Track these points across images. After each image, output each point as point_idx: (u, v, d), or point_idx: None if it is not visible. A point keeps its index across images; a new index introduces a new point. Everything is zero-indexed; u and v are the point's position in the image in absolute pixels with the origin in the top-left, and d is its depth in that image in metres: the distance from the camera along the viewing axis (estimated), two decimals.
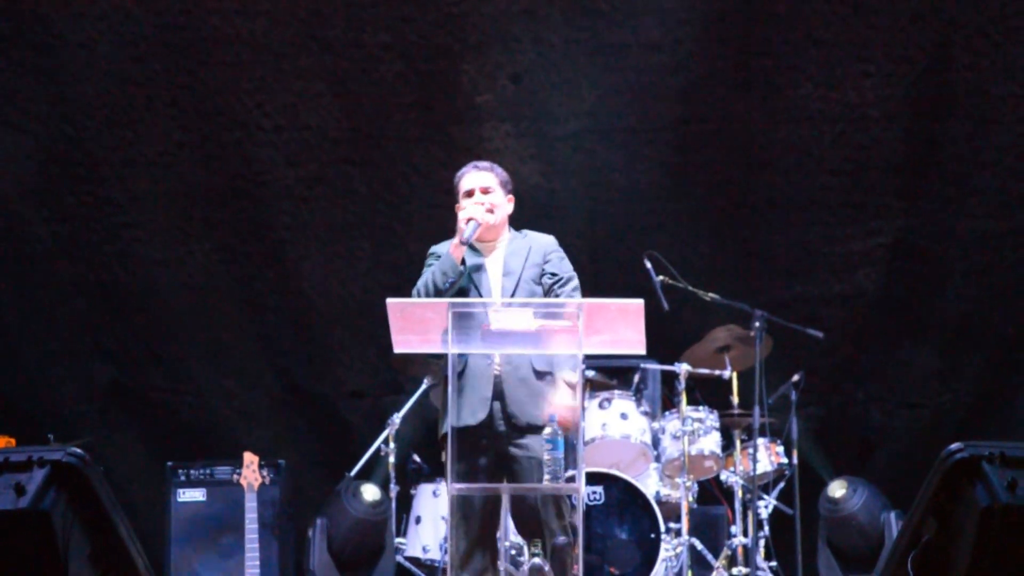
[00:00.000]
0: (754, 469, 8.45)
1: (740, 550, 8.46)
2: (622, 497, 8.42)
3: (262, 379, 9.98)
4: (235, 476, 8.00)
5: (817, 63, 9.21)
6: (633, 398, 8.77)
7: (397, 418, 8.71)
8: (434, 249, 6.58)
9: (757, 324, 8.30)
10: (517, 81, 9.33)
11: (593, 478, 8.32)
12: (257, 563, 7.72)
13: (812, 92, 9.27)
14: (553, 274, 6.52)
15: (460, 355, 6.21)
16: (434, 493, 8.70)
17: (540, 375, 6.34)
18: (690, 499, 8.51)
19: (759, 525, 8.59)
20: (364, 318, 9.64)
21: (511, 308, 6.07)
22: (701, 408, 8.76)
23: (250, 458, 7.92)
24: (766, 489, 8.91)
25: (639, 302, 5.91)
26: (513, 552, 7.06)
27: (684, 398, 8.64)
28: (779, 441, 8.84)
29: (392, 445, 8.70)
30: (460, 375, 6.28)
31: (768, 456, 8.79)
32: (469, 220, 6.42)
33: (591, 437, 8.48)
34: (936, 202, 9.51)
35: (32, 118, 9.25)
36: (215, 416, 9.88)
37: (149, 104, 9.29)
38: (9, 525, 4.59)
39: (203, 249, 9.68)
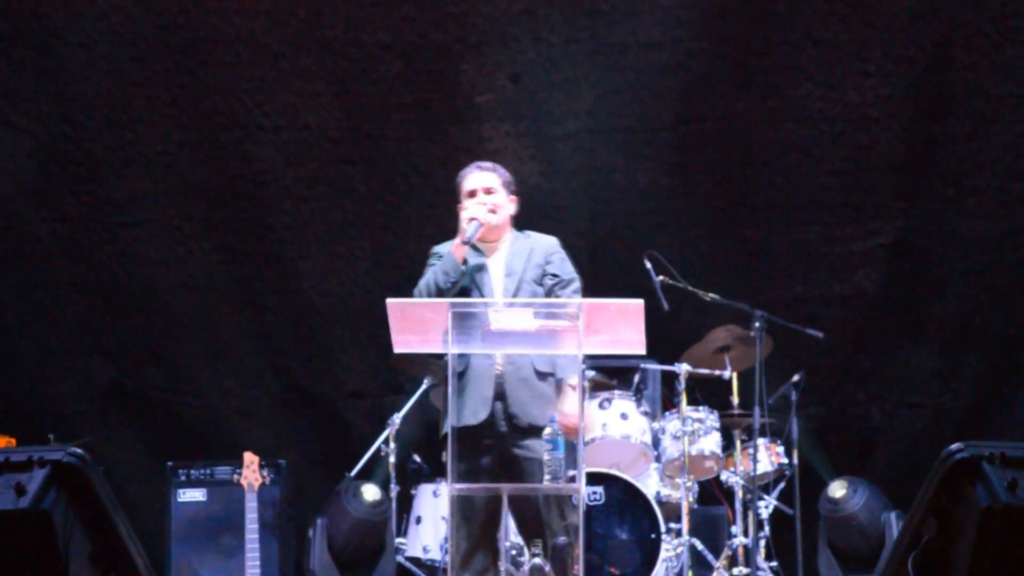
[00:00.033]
0: (754, 469, 8.45)
1: (740, 550, 8.45)
2: (622, 497, 8.42)
3: (262, 379, 9.98)
4: (235, 476, 8.00)
5: (817, 63, 9.21)
6: (633, 398, 8.77)
7: (397, 418, 8.70)
8: (436, 249, 6.58)
9: (757, 324, 8.29)
10: (517, 81, 9.33)
11: (593, 478, 8.33)
12: (257, 563, 7.72)
13: (812, 92, 9.27)
14: (555, 275, 6.52)
15: (462, 355, 6.23)
16: (434, 493, 8.70)
17: (542, 376, 6.35)
18: (690, 499, 8.51)
19: (759, 525, 8.59)
20: (364, 318, 9.64)
21: (511, 308, 6.07)
22: (701, 408, 8.76)
23: (250, 458, 7.92)
24: (766, 489, 8.90)
25: (639, 302, 5.92)
26: (513, 552, 7.07)
27: (684, 398, 8.63)
28: (779, 441, 8.84)
29: (392, 445, 8.70)
30: (462, 375, 6.30)
31: (768, 456, 8.79)
32: (471, 220, 6.43)
33: (591, 437, 8.48)
34: (936, 202, 9.51)
35: (32, 118, 9.25)
36: (215, 416, 9.88)
37: (149, 104, 9.29)
38: (9, 525, 4.59)
39: (203, 249, 9.68)
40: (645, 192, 9.59)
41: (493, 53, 9.23)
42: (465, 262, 6.40)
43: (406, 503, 8.90)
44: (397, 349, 6.08)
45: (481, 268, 6.51)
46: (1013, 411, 9.60)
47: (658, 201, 9.63)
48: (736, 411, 8.67)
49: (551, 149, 9.44)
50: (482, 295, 6.42)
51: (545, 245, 6.61)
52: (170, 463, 8.72)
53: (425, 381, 8.75)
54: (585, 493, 7.20)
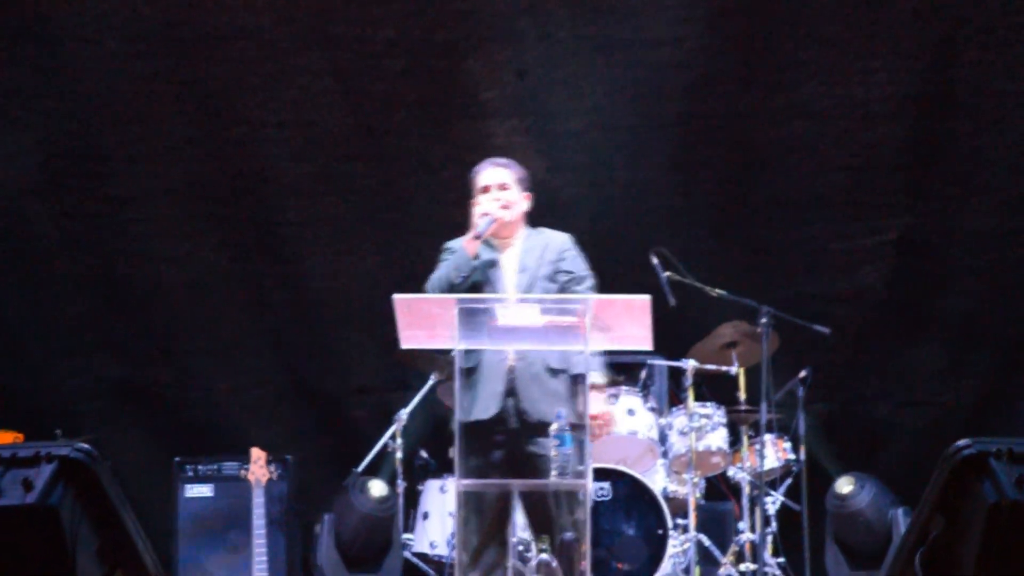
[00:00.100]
0: (761, 465, 8.46)
1: (747, 546, 8.46)
2: (629, 493, 8.42)
3: (269, 375, 9.99)
4: (242, 472, 8.00)
5: (822, 60, 9.20)
6: (640, 394, 8.78)
7: (404, 414, 8.71)
8: (449, 244, 6.58)
9: (764, 320, 8.28)
10: (522, 77, 9.34)
11: (600, 474, 8.32)
12: (264, 558, 7.72)
13: (817, 89, 9.27)
14: (569, 271, 6.52)
15: (473, 351, 6.24)
16: (441, 489, 8.71)
17: (554, 372, 6.34)
18: (697, 495, 8.52)
19: (766, 521, 8.59)
20: (370, 313, 9.63)
21: (518, 304, 6.07)
22: (708, 404, 8.76)
23: (257, 454, 7.93)
24: (773, 485, 8.90)
25: (646, 298, 5.92)
26: (521, 548, 7.07)
27: (691, 394, 8.64)
28: (786, 437, 8.84)
29: (399, 441, 8.70)
30: (473, 370, 6.31)
31: (775, 452, 8.79)
32: (484, 215, 6.43)
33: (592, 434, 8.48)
34: (941, 199, 9.51)
35: (37, 114, 9.25)
36: (222, 412, 9.89)
37: (155, 100, 9.30)
38: (17, 520, 4.59)
39: (209, 245, 9.69)
40: (651, 189, 9.59)
41: (498, 50, 9.23)
42: (477, 257, 6.40)
43: (413, 499, 8.91)
44: (404, 345, 6.09)
45: (494, 264, 6.51)
46: (1019, 407, 9.60)
47: (664, 198, 9.63)
48: (743, 407, 8.68)
49: (556, 145, 9.44)
50: (495, 291, 6.42)
51: (559, 241, 6.61)
52: (177, 459, 8.74)
53: (432, 377, 8.76)
54: (592, 489, 7.21)
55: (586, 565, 6.02)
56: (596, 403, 6.38)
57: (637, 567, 8.32)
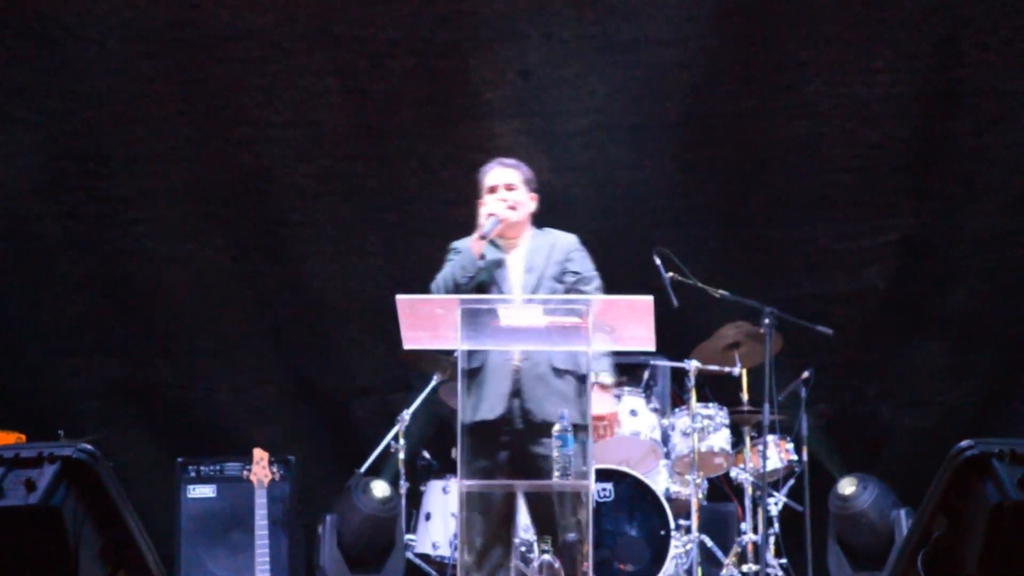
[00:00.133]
0: (764, 466, 8.44)
1: (750, 547, 8.46)
2: (632, 494, 8.42)
3: (272, 375, 10.00)
4: (245, 472, 8.00)
5: (826, 60, 9.20)
6: (643, 395, 8.78)
7: (407, 414, 8.71)
8: (455, 244, 6.57)
9: (767, 321, 8.27)
10: (526, 77, 9.34)
11: (603, 475, 8.33)
12: (267, 559, 7.72)
13: (821, 89, 9.26)
14: (576, 272, 6.53)
15: (479, 351, 6.24)
16: (444, 490, 8.71)
17: (559, 373, 6.34)
18: (700, 496, 8.51)
19: (769, 522, 8.59)
20: (373, 314, 9.65)
21: (520, 305, 6.07)
22: (711, 405, 8.76)
23: (260, 454, 7.92)
24: (776, 486, 8.90)
25: (648, 299, 5.92)
26: (523, 549, 7.07)
27: (694, 395, 8.63)
28: (789, 438, 8.84)
29: (402, 441, 8.70)
30: (479, 370, 6.31)
31: (778, 453, 8.78)
32: (490, 215, 6.42)
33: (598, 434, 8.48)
34: (945, 200, 9.51)
35: (41, 114, 9.26)
36: (225, 412, 9.90)
37: (158, 100, 9.30)
38: (20, 521, 4.60)
39: (212, 245, 9.70)
40: (654, 189, 9.59)
41: (502, 50, 9.23)
42: (483, 257, 6.40)
43: (415, 499, 8.91)
44: (407, 345, 6.09)
45: (500, 264, 6.50)
46: (1022, 408, 9.60)
47: (667, 198, 9.63)
48: (746, 408, 8.67)
49: (560, 145, 9.44)
50: (501, 291, 6.42)
51: (565, 242, 6.62)
52: (180, 459, 8.73)
53: (434, 377, 8.76)
54: (594, 490, 7.21)
55: (588, 566, 6.02)
56: (605, 403, 6.39)
57: (639, 568, 8.32)
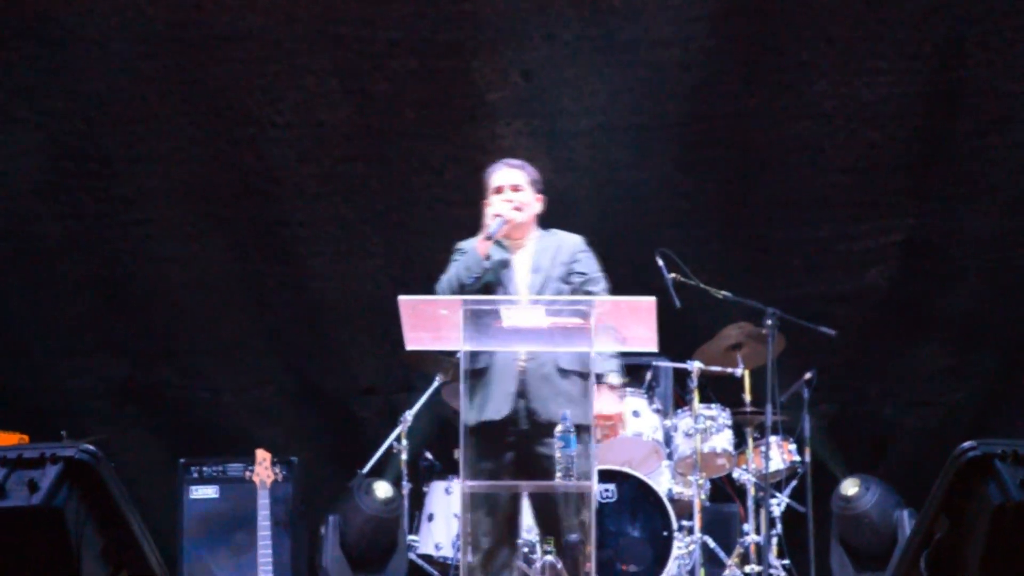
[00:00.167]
0: (766, 467, 8.44)
1: (752, 548, 8.45)
2: (634, 495, 8.42)
3: (274, 376, 10.00)
4: (247, 473, 7.99)
5: (828, 60, 9.19)
6: (645, 396, 8.77)
7: (409, 415, 8.70)
8: (460, 245, 6.57)
9: (769, 322, 8.26)
10: (528, 78, 9.34)
11: (605, 476, 8.32)
12: (270, 560, 7.72)
13: (824, 89, 9.27)
14: (582, 273, 6.53)
15: (484, 351, 6.25)
16: (446, 490, 8.71)
17: (565, 373, 6.33)
18: (702, 497, 8.51)
19: (771, 523, 8.59)
20: (375, 315, 9.65)
21: (523, 305, 6.08)
22: (713, 406, 8.76)
23: (262, 455, 7.92)
24: (778, 487, 8.90)
25: (651, 299, 5.92)
26: (526, 550, 7.07)
27: (696, 396, 8.63)
28: (791, 439, 8.84)
29: (404, 442, 8.70)
30: (485, 371, 6.31)
31: (780, 454, 8.78)
32: (496, 216, 6.42)
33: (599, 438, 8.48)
34: (948, 200, 9.50)
35: (44, 114, 9.27)
36: (227, 413, 9.90)
37: (161, 100, 9.30)
38: (22, 521, 4.59)
39: (215, 245, 9.70)
40: (657, 189, 9.59)
41: (505, 50, 9.23)
42: (488, 258, 6.39)
43: (418, 500, 8.91)
44: (409, 346, 6.09)
45: (506, 264, 6.50)
46: None
47: (670, 198, 9.63)
48: (748, 409, 8.66)
49: (563, 146, 9.45)
50: (507, 292, 6.42)
51: (572, 243, 6.62)
52: (182, 460, 8.73)
53: (437, 378, 8.76)
54: (597, 490, 7.21)
55: (591, 567, 6.02)
56: (614, 403, 6.40)
57: (642, 569, 8.32)
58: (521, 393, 6.29)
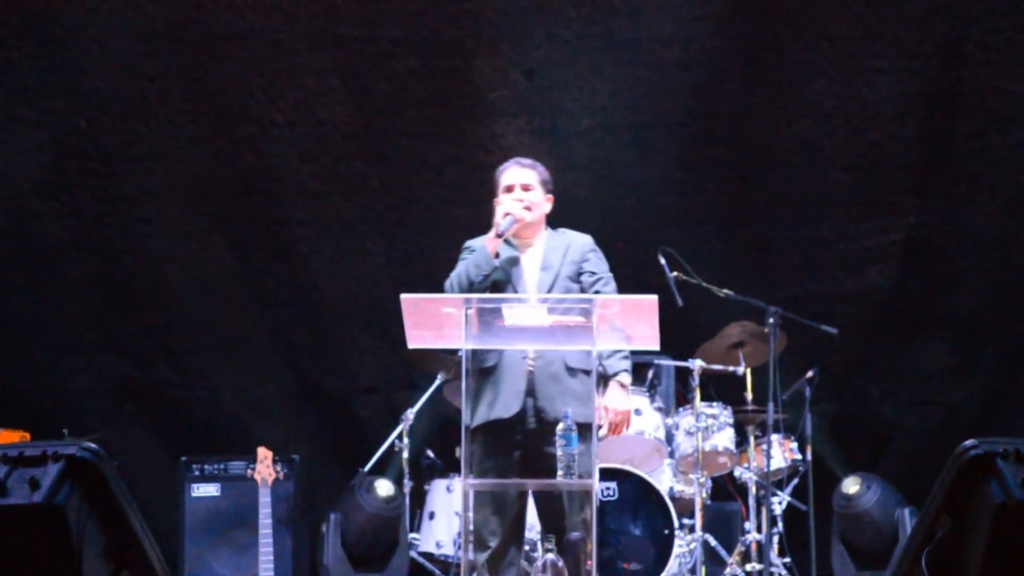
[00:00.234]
0: (768, 465, 8.44)
1: (754, 546, 8.46)
2: (636, 493, 8.42)
3: (275, 374, 10.00)
4: (249, 471, 8.01)
5: (829, 59, 9.19)
6: (647, 394, 8.77)
7: (411, 413, 8.71)
8: (469, 243, 6.57)
9: (771, 320, 8.28)
10: (530, 77, 9.33)
11: (607, 474, 8.33)
12: (271, 558, 7.73)
13: (825, 88, 9.26)
14: (592, 272, 6.54)
15: (493, 349, 6.25)
16: (448, 489, 8.71)
17: (573, 372, 6.34)
18: (704, 495, 8.51)
19: (773, 521, 8.59)
20: (377, 313, 9.65)
21: (525, 304, 6.08)
22: (715, 404, 8.76)
23: (264, 453, 7.93)
24: (780, 485, 8.90)
25: (653, 298, 5.92)
26: (527, 548, 7.08)
27: (698, 394, 8.63)
28: (793, 437, 8.84)
29: (406, 441, 8.70)
30: (493, 369, 6.32)
31: (782, 452, 8.78)
32: (506, 215, 6.42)
33: (602, 434, 8.48)
34: (949, 199, 9.50)
35: (45, 113, 9.26)
36: (229, 411, 9.90)
37: (162, 99, 9.30)
38: (24, 519, 4.59)
39: (215, 244, 9.69)
40: (658, 188, 9.59)
41: (506, 49, 9.23)
42: (497, 256, 6.40)
43: (419, 499, 8.91)
44: (411, 345, 6.09)
45: (515, 262, 6.50)
46: None
47: (671, 197, 9.63)
48: (750, 407, 8.67)
49: (564, 145, 9.44)
50: (516, 290, 6.43)
51: (582, 242, 6.63)
52: (184, 458, 8.74)
53: (438, 377, 8.76)
54: (599, 489, 7.21)
55: (592, 565, 6.02)
56: (625, 399, 6.42)
57: (643, 567, 8.32)
58: (530, 392, 6.31)
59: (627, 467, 8.46)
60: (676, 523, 8.31)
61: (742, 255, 9.70)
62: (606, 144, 9.50)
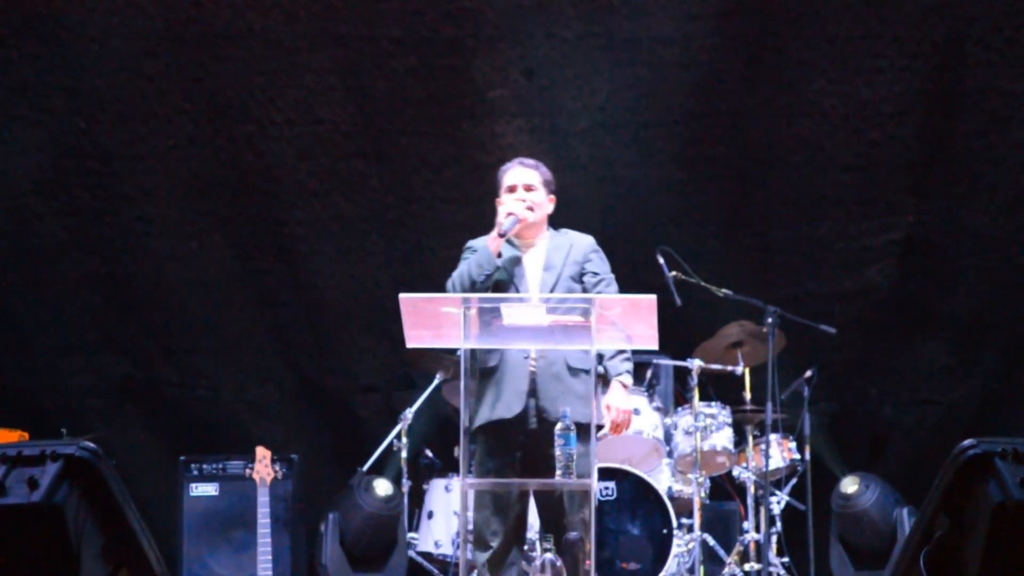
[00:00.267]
0: (766, 465, 8.45)
1: (752, 546, 8.46)
2: (634, 493, 8.42)
3: (274, 374, 9.99)
4: (247, 470, 8.01)
5: (829, 58, 9.18)
6: (645, 394, 8.77)
7: (409, 413, 8.71)
8: (471, 243, 6.58)
9: (770, 320, 8.28)
10: (530, 76, 9.32)
11: (605, 474, 8.33)
12: (269, 558, 7.73)
13: (824, 88, 9.25)
14: (595, 273, 6.55)
15: (495, 349, 6.26)
16: (446, 488, 8.71)
17: (574, 372, 6.35)
18: (702, 495, 8.51)
19: (771, 521, 8.59)
20: (376, 313, 9.65)
21: (523, 303, 6.08)
22: (713, 404, 8.76)
23: (262, 452, 7.93)
24: (778, 485, 8.90)
25: (652, 297, 5.92)
26: (526, 548, 7.08)
27: (696, 394, 8.63)
28: (791, 437, 8.84)
29: (404, 440, 8.71)
30: (495, 369, 6.33)
31: (780, 452, 8.78)
32: (509, 215, 6.43)
33: (603, 432, 8.48)
34: (948, 198, 9.49)
35: (44, 112, 9.25)
36: (227, 410, 9.90)
37: (161, 98, 9.29)
38: (22, 519, 4.59)
39: (215, 244, 9.69)
40: (658, 187, 9.58)
41: (506, 48, 9.22)
42: (499, 256, 6.40)
43: (418, 498, 8.91)
44: (409, 344, 6.09)
45: (517, 262, 6.51)
46: None
47: (671, 196, 9.62)
48: (748, 407, 8.67)
49: (564, 144, 9.43)
50: (518, 290, 6.44)
51: (584, 243, 6.64)
52: (182, 457, 8.73)
53: (437, 376, 8.76)
54: (597, 488, 7.21)
55: (591, 564, 6.02)
56: (626, 399, 6.44)
57: (642, 566, 8.32)
58: (532, 392, 6.32)
59: (626, 467, 8.46)
60: (675, 523, 8.31)
61: (741, 255, 9.69)
62: (606, 144, 9.49)
